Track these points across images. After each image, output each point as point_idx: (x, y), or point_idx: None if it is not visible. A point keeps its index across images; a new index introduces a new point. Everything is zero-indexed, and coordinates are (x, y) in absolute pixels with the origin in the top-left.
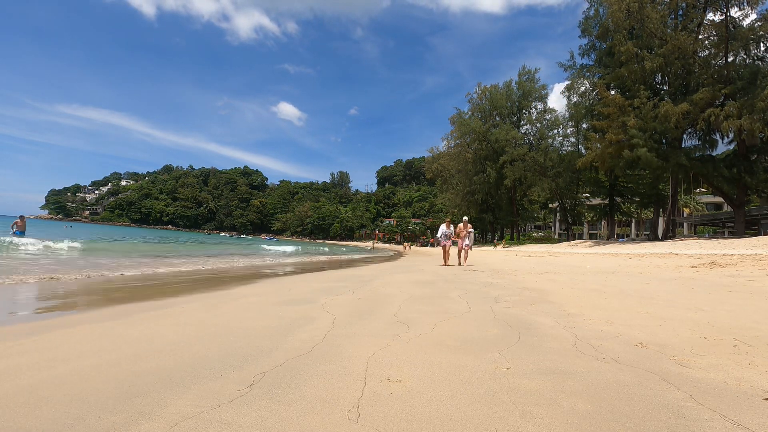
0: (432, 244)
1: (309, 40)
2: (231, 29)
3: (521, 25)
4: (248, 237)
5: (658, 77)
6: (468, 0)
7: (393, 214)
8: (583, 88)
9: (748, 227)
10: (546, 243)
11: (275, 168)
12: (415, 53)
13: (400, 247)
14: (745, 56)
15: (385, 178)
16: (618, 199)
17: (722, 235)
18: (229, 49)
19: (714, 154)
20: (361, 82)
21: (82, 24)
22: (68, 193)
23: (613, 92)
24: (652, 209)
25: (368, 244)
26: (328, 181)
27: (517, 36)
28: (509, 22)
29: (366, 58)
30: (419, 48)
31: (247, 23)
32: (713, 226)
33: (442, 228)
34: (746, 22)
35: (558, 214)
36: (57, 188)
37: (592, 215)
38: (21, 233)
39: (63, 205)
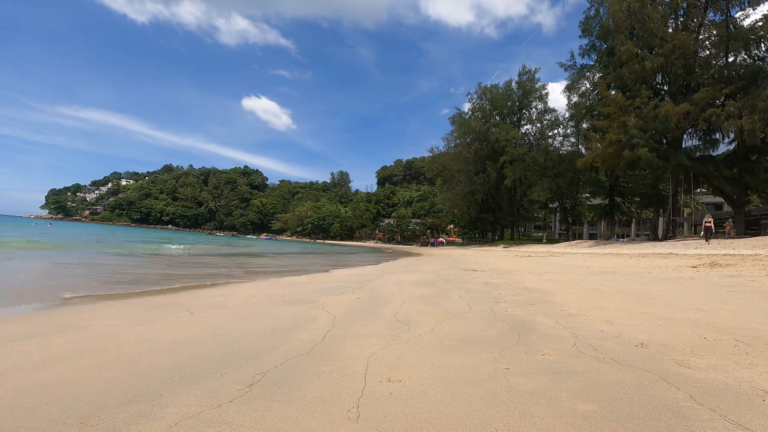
0: (432, 244)
1: (305, 46)
2: (229, 33)
3: (510, 32)
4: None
5: (659, 77)
6: (460, 20)
7: (393, 214)
8: (583, 88)
9: (749, 227)
10: (546, 243)
11: (275, 168)
12: (409, 58)
13: (403, 247)
14: (746, 56)
15: (385, 177)
16: (618, 199)
17: (722, 236)
18: (227, 52)
19: (714, 154)
20: (358, 85)
21: (82, 27)
22: (68, 193)
23: (613, 92)
24: (653, 209)
25: (374, 244)
26: (329, 181)
27: (507, 42)
28: (500, 32)
29: (361, 62)
30: (412, 53)
31: (245, 28)
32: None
33: None
34: (747, 22)
35: (558, 214)
36: (57, 188)
37: (592, 215)
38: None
39: (63, 205)
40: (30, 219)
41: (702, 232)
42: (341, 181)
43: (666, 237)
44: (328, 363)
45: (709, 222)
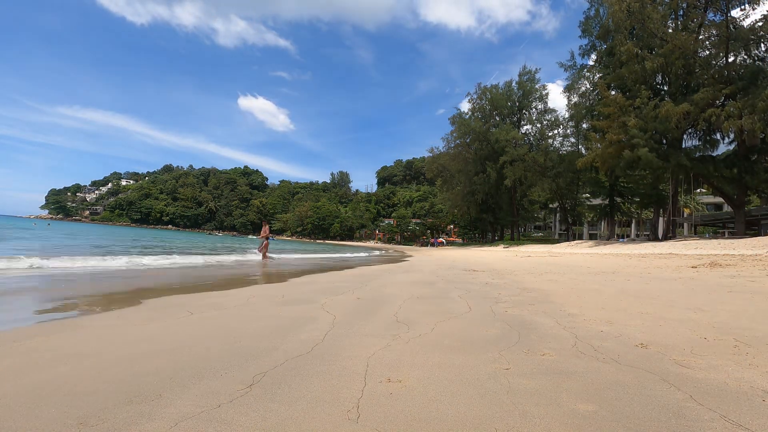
0: (432, 244)
1: (304, 47)
2: (228, 34)
3: (510, 35)
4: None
5: (659, 77)
6: (460, 24)
7: (393, 214)
8: (583, 89)
9: (749, 227)
10: (546, 243)
11: (275, 168)
12: (408, 59)
13: (403, 247)
14: (745, 56)
15: (385, 178)
16: (618, 200)
17: (722, 236)
18: (226, 53)
19: (714, 154)
20: (358, 86)
21: (82, 29)
22: (68, 193)
23: (613, 92)
24: (653, 209)
25: (372, 244)
26: (328, 181)
27: (507, 44)
28: (500, 35)
29: (361, 63)
30: (412, 54)
31: (244, 29)
32: (713, 226)
33: None
34: (747, 22)
35: (558, 214)
36: (57, 188)
37: (592, 215)
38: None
39: (63, 205)
40: (29, 219)
41: None
42: (341, 181)
43: (666, 237)
44: (328, 363)
45: None
